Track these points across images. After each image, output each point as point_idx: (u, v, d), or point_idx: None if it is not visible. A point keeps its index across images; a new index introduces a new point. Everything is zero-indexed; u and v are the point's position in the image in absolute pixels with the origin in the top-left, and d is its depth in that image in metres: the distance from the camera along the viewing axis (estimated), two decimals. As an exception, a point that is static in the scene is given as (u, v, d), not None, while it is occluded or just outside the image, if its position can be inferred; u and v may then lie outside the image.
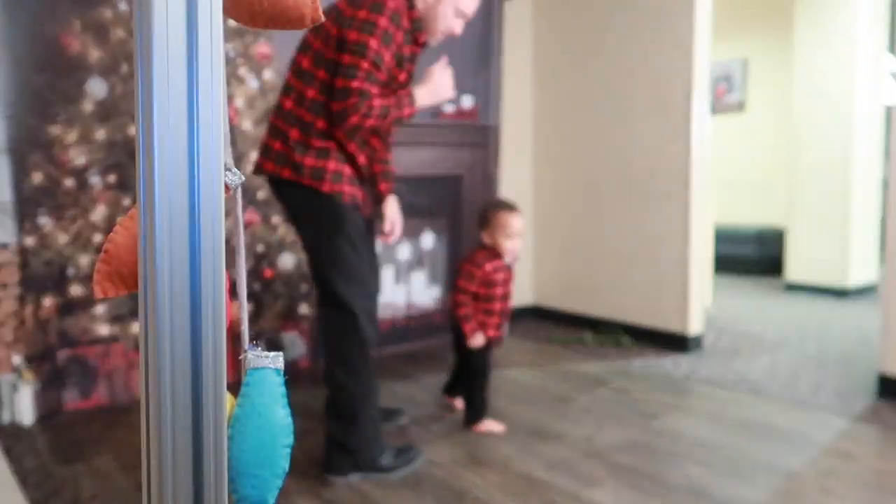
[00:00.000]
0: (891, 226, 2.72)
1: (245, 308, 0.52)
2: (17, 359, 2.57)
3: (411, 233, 3.55)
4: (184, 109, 0.43)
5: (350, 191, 2.03)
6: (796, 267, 5.07)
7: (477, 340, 2.40)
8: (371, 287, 2.19)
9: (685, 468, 2.12)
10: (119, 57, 2.65)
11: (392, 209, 2.34)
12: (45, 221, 2.55)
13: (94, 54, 2.59)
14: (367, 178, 2.23)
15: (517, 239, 2.42)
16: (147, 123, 0.42)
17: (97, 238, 2.65)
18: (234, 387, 0.51)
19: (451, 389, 2.69)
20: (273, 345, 3.11)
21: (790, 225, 5.10)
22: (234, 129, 2.92)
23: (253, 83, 2.97)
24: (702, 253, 3.55)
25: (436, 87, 2.05)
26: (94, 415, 2.63)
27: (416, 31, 2.05)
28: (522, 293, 4.31)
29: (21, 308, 2.57)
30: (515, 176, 4.20)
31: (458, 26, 2.09)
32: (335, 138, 2.00)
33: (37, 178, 2.52)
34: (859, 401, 2.71)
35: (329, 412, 2.06)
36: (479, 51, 3.72)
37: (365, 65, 1.87)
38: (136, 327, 2.74)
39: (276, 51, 3.01)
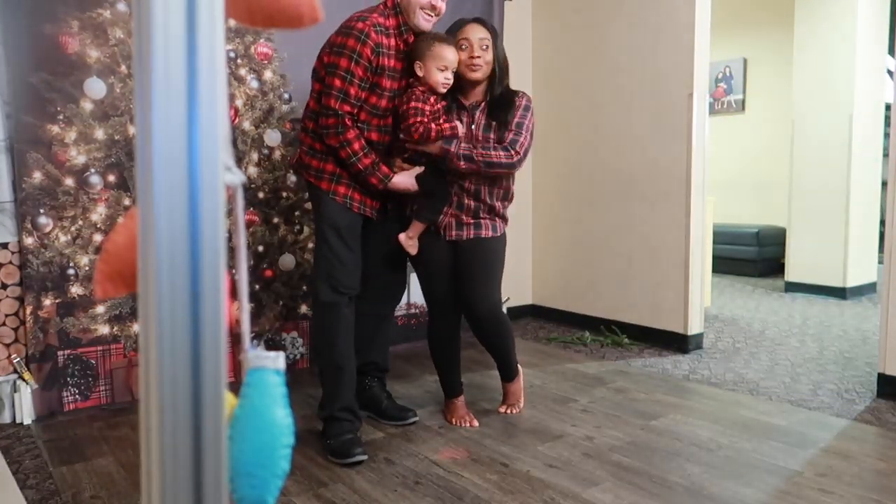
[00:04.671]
0: (891, 226, 2.72)
1: (246, 308, 0.52)
2: (17, 359, 2.57)
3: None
4: (184, 109, 0.43)
5: (344, 192, 2.26)
6: (796, 267, 5.07)
7: (458, 129, 2.28)
8: (343, 282, 2.28)
9: (685, 468, 2.12)
10: (118, 56, 2.65)
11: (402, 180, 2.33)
12: (45, 221, 2.55)
13: (93, 54, 2.59)
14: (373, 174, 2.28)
15: (449, 72, 2.27)
16: (147, 123, 0.42)
17: (97, 238, 2.65)
18: (235, 387, 0.51)
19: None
20: (273, 345, 3.11)
21: (790, 225, 5.10)
22: (234, 129, 2.92)
23: (253, 83, 2.97)
24: (701, 253, 3.55)
25: (409, 181, 2.29)
26: (94, 415, 2.63)
27: (405, 34, 2.25)
28: (522, 293, 4.31)
29: (21, 308, 2.57)
30: (515, 175, 4.19)
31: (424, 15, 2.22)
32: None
33: (37, 177, 2.52)
34: (859, 401, 2.71)
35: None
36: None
37: (337, 83, 2.14)
38: (136, 327, 2.74)
39: (277, 51, 3.00)
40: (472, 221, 2.39)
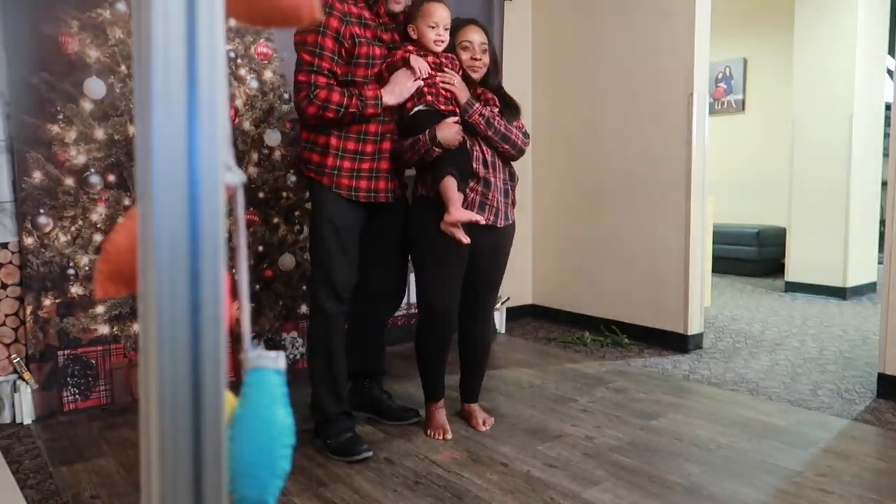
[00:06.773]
0: (891, 226, 2.72)
1: (246, 308, 0.52)
2: (17, 359, 2.57)
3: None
4: (184, 109, 0.43)
5: (348, 184, 2.19)
6: (796, 267, 5.07)
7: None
8: (341, 285, 2.22)
9: (685, 468, 2.11)
10: (118, 56, 2.65)
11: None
12: (45, 221, 2.55)
13: (93, 54, 2.59)
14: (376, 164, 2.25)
15: (441, 29, 2.26)
16: (147, 123, 0.42)
17: (97, 238, 2.65)
18: (235, 386, 0.51)
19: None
20: (273, 345, 3.11)
21: (790, 225, 5.10)
22: (234, 129, 2.92)
23: (253, 83, 2.97)
24: (701, 253, 3.55)
25: (396, 88, 2.20)
26: (94, 415, 2.62)
27: (374, 5, 2.21)
28: (522, 293, 4.31)
29: (21, 308, 2.57)
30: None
31: None
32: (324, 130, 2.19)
33: (37, 177, 2.52)
34: (859, 401, 2.71)
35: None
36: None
37: (306, 57, 2.09)
38: (136, 327, 2.74)
39: (277, 51, 3.00)
40: (504, 206, 2.39)
